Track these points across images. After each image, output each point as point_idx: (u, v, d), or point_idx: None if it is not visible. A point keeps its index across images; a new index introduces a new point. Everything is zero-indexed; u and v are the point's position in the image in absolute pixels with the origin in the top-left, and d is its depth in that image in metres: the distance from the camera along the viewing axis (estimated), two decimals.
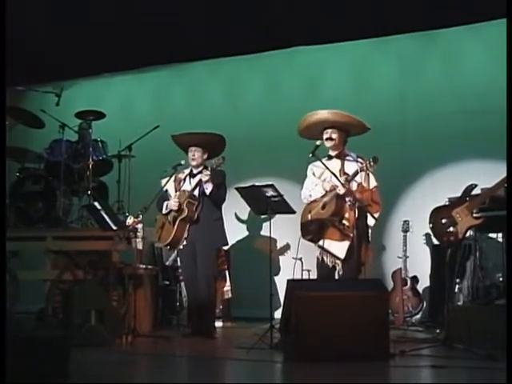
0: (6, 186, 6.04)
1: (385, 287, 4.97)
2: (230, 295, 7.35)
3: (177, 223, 5.91)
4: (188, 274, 6.09)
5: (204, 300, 5.93)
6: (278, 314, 5.72)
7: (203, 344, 5.68)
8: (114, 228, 5.77)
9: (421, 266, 7.04)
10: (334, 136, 5.44)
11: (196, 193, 5.94)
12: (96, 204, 5.90)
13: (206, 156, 6.09)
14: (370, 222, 5.33)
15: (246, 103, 8.67)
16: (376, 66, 8.14)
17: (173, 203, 5.92)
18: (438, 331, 5.88)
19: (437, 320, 6.24)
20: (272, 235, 5.45)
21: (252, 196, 5.50)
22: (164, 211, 6.02)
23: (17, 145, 6.98)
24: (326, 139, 5.43)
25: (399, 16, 7.21)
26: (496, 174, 4.99)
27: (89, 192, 6.77)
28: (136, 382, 4.11)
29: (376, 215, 5.29)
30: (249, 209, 6.31)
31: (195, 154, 6.04)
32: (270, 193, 5.34)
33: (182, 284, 6.74)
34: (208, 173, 5.83)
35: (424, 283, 7.04)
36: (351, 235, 5.15)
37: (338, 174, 5.23)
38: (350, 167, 5.35)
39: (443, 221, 4.93)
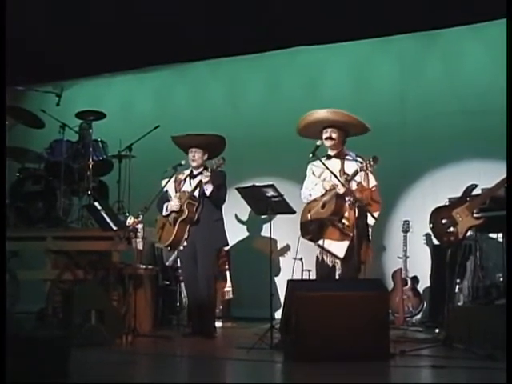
0: (6, 185, 6.04)
1: (385, 287, 4.98)
2: (231, 296, 7.36)
3: (177, 224, 5.91)
4: (188, 274, 6.08)
5: (204, 300, 5.93)
6: (278, 314, 5.72)
7: (203, 344, 5.68)
8: (115, 228, 5.77)
9: (421, 266, 7.03)
10: (334, 135, 5.43)
11: (196, 194, 5.95)
12: (96, 204, 5.90)
13: (206, 157, 6.09)
14: (370, 221, 5.33)
15: (246, 103, 8.67)
16: (376, 66, 8.14)
17: (173, 204, 5.92)
18: (437, 331, 5.88)
19: (437, 320, 6.24)
20: (272, 236, 5.45)
21: (252, 196, 5.50)
22: (164, 213, 6.02)
23: (17, 145, 6.98)
24: (326, 138, 5.43)
25: (400, 16, 7.21)
26: (496, 174, 4.99)
27: (89, 192, 6.77)
28: (136, 381, 4.11)
29: (376, 214, 5.29)
30: (249, 209, 6.31)
31: (195, 155, 6.04)
32: (270, 193, 5.34)
33: (182, 284, 6.74)
34: (208, 174, 5.83)
35: (424, 283, 7.04)
36: (351, 234, 5.15)
37: (337, 174, 5.23)
38: (350, 167, 5.35)
39: (443, 221, 4.93)
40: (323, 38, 7.95)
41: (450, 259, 5.38)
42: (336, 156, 5.46)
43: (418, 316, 6.92)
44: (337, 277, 5.31)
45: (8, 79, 4.77)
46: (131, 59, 8.52)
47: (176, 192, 6.08)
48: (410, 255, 6.87)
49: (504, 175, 4.85)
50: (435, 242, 5.89)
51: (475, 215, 4.95)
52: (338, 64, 8.33)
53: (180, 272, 6.73)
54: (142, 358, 5.00)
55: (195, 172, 6.07)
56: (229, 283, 7.34)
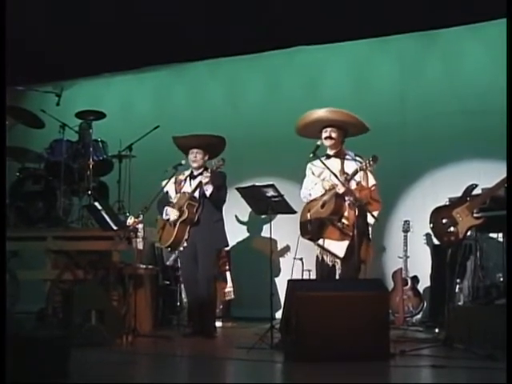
0: (7, 185, 6.04)
1: (385, 287, 4.97)
2: (232, 296, 7.35)
3: (177, 225, 5.91)
4: (188, 275, 6.08)
5: (204, 300, 5.93)
6: (278, 314, 5.74)
7: (203, 344, 5.68)
8: (115, 228, 5.77)
9: (421, 266, 7.03)
10: (334, 135, 5.43)
11: (196, 194, 5.95)
12: (96, 204, 5.90)
13: (206, 157, 6.10)
14: (370, 220, 5.33)
15: (246, 103, 8.67)
16: (376, 66, 8.14)
17: (171, 213, 5.91)
18: (437, 331, 5.88)
19: (437, 320, 6.23)
20: (272, 236, 5.45)
21: (252, 196, 5.50)
22: (164, 217, 6.02)
23: (17, 145, 6.98)
24: (325, 138, 5.43)
25: (399, 16, 7.21)
26: (496, 174, 4.99)
27: (89, 192, 6.77)
28: (136, 381, 4.11)
29: (376, 213, 5.28)
30: (249, 210, 6.32)
31: (197, 156, 6.04)
32: (270, 193, 5.34)
33: (183, 284, 6.73)
34: (208, 174, 5.83)
35: (424, 283, 7.04)
36: (350, 234, 5.15)
37: (337, 173, 5.22)
38: (349, 166, 5.35)
39: (444, 221, 4.93)
40: (323, 37, 7.95)
41: (450, 259, 5.38)
42: (335, 155, 5.46)
43: (418, 316, 6.92)
44: (337, 276, 5.31)
45: (8, 79, 4.77)
46: (131, 59, 8.52)
47: (176, 193, 6.08)
48: (411, 255, 6.88)
49: (504, 175, 4.85)
50: (435, 241, 5.90)
51: (475, 215, 4.95)
52: (338, 64, 8.33)
53: (180, 272, 6.72)
54: (142, 358, 4.99)
55: (195, 173, 6.07)
56: (229, 284, 7.34)
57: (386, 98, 7.92)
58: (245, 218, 8.17)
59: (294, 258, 6.20)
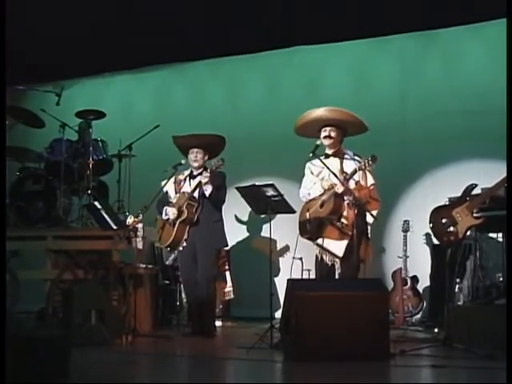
0: (7, 185, 6.04)
1: (385, 287, 4.98)
2: (231, 296, 7.35)
3: (177, 225, 5.91)
4: (188, 275, 6.08)
5: (204, 300, 5.93)
6: (278, 314, 5.73)
7: (203, 344, 5.68)
8: (114, 227, 5.78)
9: (421, 266, 7.03)
10: (333, 134, 5.43)
11: (196, 194, 5.95)
12: (96, 203, 5.90)
13: (206, 157, 6.10)
14: (369, 219, 5.33)
15: (246, 103, 8.67)
16: (376, 66, 8.14)
17: (171, 212, 5.92)
18: (437, 331, 5.88)
19: (437, 320, 6.23)
20: (272, 236, 5.45)
21: (252, 196, 5.50)
22: (164, 217, 6.02)
23: (17, 144, 6.99)
24: (325, 137, 5.42)
25: (399, 16, 7.22)
26: (496, 174, 5.00)
27: (89, 191, 6.77)
28: (136, 381, 4.11)
29: (375, 212, 5.27)
30: (249, 210, 6.32)
31: (197, 156, 6.05)
32: (270, 192, 5.34)
33: (182, 284, 6.73)
34: (207, 174, 5.83)
35: (424, 283, 7.04)
36: (349, 233, 5.15)
37: (336, 173, 5.22)
38: (349, 165, 5.34)
39: (443, 220, 4.93)
40: (323, 37, 7.96)
41: (450, 259, 5.39)
42: (334, 155, 5.45)
43: (418, 316, 6.92)
44: (336, 276, 5.31)
45: (8, 79, 4.77)
46: (131, 59, 8.53)
47: (176, 193, 6.08)
48: (410, 255, 6.88)
49: (504, 175, 4.86)
50: (435, 241, 5.89)
51: (475, 215, 4.95)
52: (338, 64, 8.33)
53: (180, 272, 6.72)
54: (142, 357, 4.99)
55: (195, 172, 6.07)
56: (229, 283, 7.34)
57: (386, 98, 7.92)
58: (244, 218, 8.17)
59: (294, 258, 6.20)
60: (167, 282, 7.08)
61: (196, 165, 6.06)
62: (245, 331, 6.53)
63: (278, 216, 5.75)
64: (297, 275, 6.66)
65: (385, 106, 7.86)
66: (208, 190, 5.89)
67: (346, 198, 5.20)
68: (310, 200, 5.48)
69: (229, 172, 6.10)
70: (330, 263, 5.33)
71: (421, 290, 6.97)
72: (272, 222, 5.49)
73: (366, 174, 5.29)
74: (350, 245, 5.16)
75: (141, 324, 6.04)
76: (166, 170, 5.99)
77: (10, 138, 6.30)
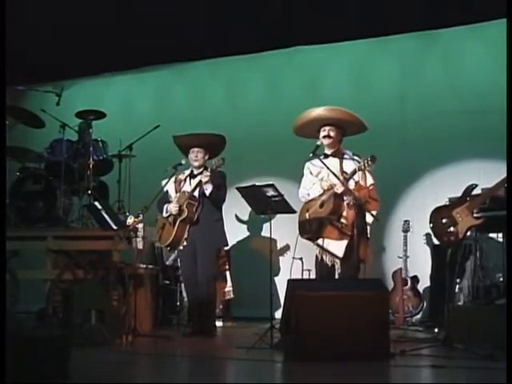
0: (7, 185, 6.04)
1: (385, 287, 4.98)
2: (231, 295, 7.34)
3: (177, 224, 5.92)
4: (188, 274, 6.09)
5: (204, 300, 5.94)
6: (278, 314, 5.73)
7: (203, 344, 5.68)
8: (115, 228, 5.78)
9: (421, 266, 7.04)
10: (332, 134, 5.41)
11: (196, 194, 5.95)
12: (96, 204, 5.90)
13: (207, 157, 6.10)
14: (369, 219, 5.32)
15: (246, 103, 8.67)
16: (376, 66, 8.14)
17: (173, 207, 5.92)
18: (437, 331, 5.88)
19: (437, 320, 6.23)
20: (272, 236, 5.45)
21: (252, 196, 5.50)
22: (164, 214, 6.03)
23: (17, 144, 6.98)
24: (324, 137, 5.41)
25: (399, 16, 7.22)
26: (496, 174, 4.99)
27: (89, 192, 6.77)
28: (136, 381, 4.11)
29: (374, 212, 5.27)
30: (249, 209, 6.32)
31: (198, 155, 6.05)
32: (270, 192, 5.34)
33: (183, 284, 6.74)
34: (208, 174, 5.84)
35: (424, 283, 7.04)
36: (349, 233, 5.15)
37: (336, 173, 5.21)
38: (348, 165, 5.34)
39: (443, 221, 4.93)
40: (323, 37, 7.96)
41: (450, 259, 5.38)
42: (333, 155, 5.44)
43: (418, 316, 6.92)
44: (336, 276, 5.31)
45: (8, 79, 4.77)
46: (131, 59, 8.53)
47: (176, 192, 6.08)
48: (410, 255, 6.88)
49: (504, 175, 4.86)
50: (435, 241, 5.90)
51: (475, 215, 4.95)
52: (338, 64, 8.33)
53: (180, 272, 6.73)
54: (142, 357, 5.00)
55: (196, 172, 6.08)
56: (229, 283, 7.33)
57: (386, 98, 7.93)
58: (245, 218, 8.17)
59: (294, 258, 6.21)
60: (167, 282, 7.08)
61: (196, 164, 6.06)
62: (245, 331, 6.53)
63: (278, 215, 5.75)
64: (297, 275, 6.66)
65: (385, 106, 7.86)
66: (208, 189, 5.90)
67: (345, 198, 5.19)
68: (310, 200, 5.47)
69: (229, 172, 6.10)
70: (330, 263, 5.32)
71: (421, 290, 6.97)
72: (272, 221, 5.49)
73: (365, 174, 5.27)
74: (350, 245, 5.15)
75: (141, 324, 6.04)
76: (167, 169, 5.99)
77: (10, 138, 6.30)
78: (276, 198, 5.36)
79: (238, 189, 5.54)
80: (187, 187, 6.04)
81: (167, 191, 6.14)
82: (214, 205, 6.01)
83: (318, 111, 5.43)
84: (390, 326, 4.62)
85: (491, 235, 6.24)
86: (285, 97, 8.38)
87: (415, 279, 6.96)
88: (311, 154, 5.21)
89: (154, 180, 6.34)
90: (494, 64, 7.14)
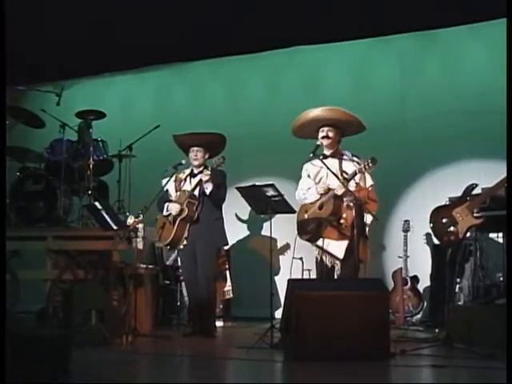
0: (7, 185, 6.04)
1: (385, 287, 4.98)
2: (231, 295, 7.34)
3: (177, 223, 5.92)
4: (188, 273, 6.09)
5: (204, 300, 5.94)
6: (278, 314, 5.73)
7: (204, 343, 5.68)
8: (115, 228, 5.77)
9: (421, 266, 7.04)
10: (331, 134, 5.41)
11: (196, 193, 5.95)
12: (96, 204, 5.90)
13: (207, 156, 6.10)
14: (368, 219, 5.32)
15: (246, 103, 8.67)
16: (376, 66, 8.14)
17: (173, 206, 5.92)
18: (437, 330, 5.88)
19: (437, 319, 6.24)
20: (272, 235, 5.45)
21: (252, 195, 5.50)
22: (165, 213, 6.03)
23: (17, 144, 6.99)
24: (323, 137, 5.41)
25: (399, 16, 7.21)
26: (496, 174, 5.00)
27: (89, 192, 6.77)
28: (136, 381, 4.11)
29: (373, 213, 5.27)
30: (249, 209, 6.32)
31: (197, 154, 6.05)
32: (270, 192, 5.34)
33: (183, 284, 6.74)
34: (208, 173, 5.84)
35: (424, 283, 7.04)
36: (349, 234, 5.14)
37: (336, 173, 5.21)
38: (347, 166, 5.33)
39: (444, 220, 4.93)
40: (323, 37, 7.96)
41: (451, 259, 5.39)
42: (332, 155, 5.43)
43: (419, 315, 6.92)
44: (335, 277, 5.31)
45: (8, 79, 4.77)
46: (131, 59, 8.53)
47: (176, 191, 6.08)
48: (411, 255, 6.87)
49: (504, 175, 4.86)
50: (435, 241, 5.90)
51: (475, 215, 4.96)
52: (338, 64, 8.33)
53: (180, 271, 6.73)
54: (143, 357, 5.00)
55: (196, 171, 6.08)
56: (228, 282, 7.33)
57: (386, 98, 7.92)
58: (245, 217, 8.17)
59: (293, 258, 6.20)
60: (167, 282, 7.08)
61: (196, 163, 6.07)
62: (245, 331, 6.53)
63: (279, 214, 5.75)
64: (297, 275, 6.66)
65: (385, 106, 7.86)
66: (208, 188, 5.90)
67: (345, 199, 5.19)
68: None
69: (229, 172, 6.11)
70: (329, 265, 5.32)
71: (421, 290, 6.97)
72: (272, 220, 5.49)
73: (364, 175, 5.27)
74: (350, 246, 5.15)
75: (141, 324, 6.03)
76: (167, 169, 6.00)
77: (10, 137, 6.30)
78: (276, 198, 5.36)
79: (237, 189, 5.54)
80: (187, 186, 6.04)
81: (167, 190, 6.14)
82: (214, 204, 6.01)
83: (316, 112, 5.43)
84: (390, 325, 4.63)
85: (491, 235, 6.24)
86: (285, 97, 8.38)
87: (415, 279, 6.96)
88: (311, 154, 5.21)
89: (154, 180, 6.35)
90: (494, 64, 7.14)
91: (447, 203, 5.75)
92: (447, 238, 4.93)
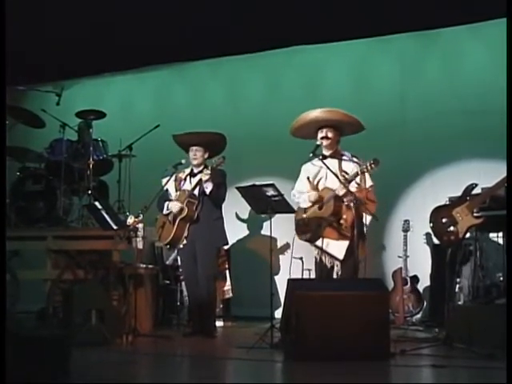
0: (7, 185, 6.05)
1: (385, 287, 4.98)
2: (230, 294, 7.33)
3: (177, 222, 5.92)
4: (188, 273, 6.09)
5: (204, 299, 5.94)
6: (278, 314, 5.73)
7: (204, 343, 5.68)
8: (115, 227, 5.78)
9: (421, 266, 7.04)
10: (330, 135, 5.41)
11: (196, 192, 5.95)
12: (96, 203, 5.90)
13: (207, 155, 6.10)
14: (366, 220, 5.32)
15: (246, 103, 8.67)
16: (376, 66, 8.13)
17: (174, 205, 5.92)
18: (437, 330, 5.89)
19: (437, 319, 6.24)
20: (272, 234, 5.44)
21: (252, 195, 5.50)
22: (165, 212, 6.03)
23: (17, 144, 6.99)
24: (322, 138, 5.41)
25: (399, 16, 7.21)
26: (496, 174, 5.00)
27: (89, 191, 6.77)
28: (136, 381, 4.11)
29: (372, 213, 5.27)
30: (249, 208, 6.32)
31: (196, 154, 6.05)
32: (270, 192, 5.34)
33: (183, 283, 6.74)
34: (208, 172, 5.84)
35: (424, 283, 7.04)
36: (348, 235, 5.14)
37: (336, 174, 5.21)
38: (347, 167, 5.34)
39: (444, 220, 4.93)
40: (322, 37, 7.95)
41: (450, 258, 5.39)
42: (332, 156, 5.43)
43: (418, 315, 6.92)
44: (335, 277, 5.30)
45: (8, 79, 4.77)
46: (131, 59, 8.53)
47: (176, 191, 6.08)
48: (411, 254, 6.87)
49: (504, 175, 4.86)
50: (435, 241, 5.90)
51: (475, 214, 4.96)
52: (338, 64, 8.33)
53: (180, 271, 6.73)
54: (143, 357, 5.00)
55: (196, 170, 6.08)
56: (228, 282, 7.33)
57: (386, 98, 7.92)
58: (245, 216, 8.17)
59: (293, 258, 6.19)
60: (167, 281, 7.08)
61: (195, 163, 6.07)
62: (245, 331, 6.53)
63: (279, 214, 5.75)
64: (297, 275, 6.66)
65: (385, 106, 7.86)
66: (208, 187, 5.90)
67: (345, 199, 5.18)
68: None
69: (229, 172, 6.11)
70: (329, 265, 5.32)
71: (421, 290, 6.96)
72: (272, 220, 5.48)
73: (364, 175, 5.27)
74: (350, 246, 5.15)
75: (141, 324, 6.03)
76: (167, 169, 6.00)
77: (10, 137, 6.30)
78: (276, 198, 5.36)
79: (238, 188, 5.54)
80: (187, 186, 6.04)
81: (167, 190, 6.14)
82: (214, 203, 6.01)
83: (315, 113, 5.43)
84: (390, 325, 4.63)
85: (491, 235, 6.24)
86: (285, 97, 8.38)
87: (415, 279, 6.96)
88: (311, 154, 5.21)
89: (153, 180, 6.34)
90: (494, 64, 7.14)
91: (447, 203, 5.75)
92: (447, 238, 4.93)
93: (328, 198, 5.25)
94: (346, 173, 5.26)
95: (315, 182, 5.46)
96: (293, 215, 5.56)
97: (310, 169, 5.54)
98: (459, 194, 5.10)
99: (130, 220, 6.10)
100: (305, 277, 6.81)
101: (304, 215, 5.39)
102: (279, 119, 7.92)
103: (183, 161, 6.03)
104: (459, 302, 6.11)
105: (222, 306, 7.31)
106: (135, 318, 5.87)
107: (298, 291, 4.46)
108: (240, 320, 7.49)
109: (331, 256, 5.29)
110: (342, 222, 5.23)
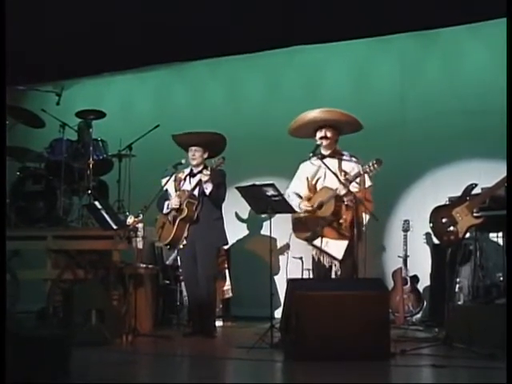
0: (7, 185, 6.04)
1: (385, 287, 4.98)
2: (230, 294, 7.34)
3: (177, 223, 5.92)
4: (188, 273, 6.09)
5: (204, 299, 5.93)
6: (278, 314, 5.73)
7: (204, 343, 5.68)
8: (115, 227, 5.78)
9: (421, 266, 7.03)
10: (329, 134, 5.42)
11: (196, 192, 5.95)
12: (96, 203, 5.90)
13: (206, 155, 6.10)
14: (365, 219, 5.32)
15: (246, 103, 8.67)
16: (376, 66, 8.13)
17: (174, 202, 5.92)
18: (437, 330, 5.89)
19: (437, 319, 6.24)
20: (272, 235, 5.44)
21: (252, 195, 5.50)
22: (165, 211, 6.03)
23: (17, 144, 6.99)
24: (321, 138, 5.42)
25: (399, 16, 7.21)
26: (496, 174, 5.00)
27: (89, 191, 6.78)
28: (136, 381, 4.11)
29: (368, 214, 5.26)
30: (249, 208, 6.31)
31: (195, 154, 6.05)
32: (270, 192, 5.33)
33: (183, 283, 6.74)
34: (208, 172, 5.84)
35: (424, 282, 7.04)
36: (348, 235, 5.14)
37: (337, 173, 5.21)
38: (347, 166, 5.34)
39: (443, 220, 4.94)
40: (323, 37, 7.95)
41: (450, 258, 5.39)
42: (331, 155, 5.44)
43: (418, 315, 6.92)
44: (333, 276, 5.30)
45: (8, 79, 4.77)
46: (131, 59, 8.53)
47: (176, 191, 6.08)
48: (411, 254, 6.87)
49: (504, 175, 4.86)
50: (435, 241, 5.90)
51: (475, 214, 4.96)
52: (338, 64, 8.33)
53: (180, 271, 6.73)
54: (143, 357, 5.00)
55: (195, 171, 6.08)
56: (228, 282, 7.33)
57: (386, 98, 7.92)
58: (244, 216, 8.17)
59: (293, 257, 6.21)
60: (167, 281, 7.08)
61: (194, 163, 6.06)
62: (245, 331, 6.53)
63: (278, 214, 5.75)
64: (297, 275, 6.66)
65: (385, 106, 7.86)
66: (208, 188, 5.89)
67: (345, 199, 5.18)
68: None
69: (229, 172, 6.10)
70: (327, 265, 5.32)
71: (421, 290, 6.96)
72: (272, 220, 5.48)
73: (364, 176, 5.27)
74: (349, 246, 5.15)
75: (141, 324, 6.03)
76: (167, 169, 6.00)
77: (10, 137, 6.30)
78: (276, 198, 5.35)
79: (237, 188, 5.53)
80: (187, 186, 6.04)
81: (167, 190, 6.14)
82: (213, 204, 6.01)
83: (314, 114, 5.44)
84: (390, 325, 4.63)
85: (491, 235, 6.24)
86: (285, 97, 8.37)
87: (415, 279, 6.96)
88: (311, 154, 5.21)
89: (153, 180, 6.34)
90: (494, 64, 7.14)
91: (447, 203, 5.75)
92: (447, 238, 4.93)
93: (328, 197, 5.25)
94: (346, 172, 5.27)
95: (313, 182, 5.46)
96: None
97: (308, 168, 5.54)
98: (459, 194, 5.10)
99: (130, 220, 6.10)
100: (305, 277, 6.81)
101: (302, 214, 5.39)
102: (279, 119, 7.90)
103: (183, 161, 6.03)
104: (459, 302, 6.11)
105: (221, 305, 7.31)
106: (135, 317, 5.87)
107: (297, 291, 4.46)
108: (240, 320, 7.48)
109: (330, 256, 5.29)
110: (341, 221, 5.23)
